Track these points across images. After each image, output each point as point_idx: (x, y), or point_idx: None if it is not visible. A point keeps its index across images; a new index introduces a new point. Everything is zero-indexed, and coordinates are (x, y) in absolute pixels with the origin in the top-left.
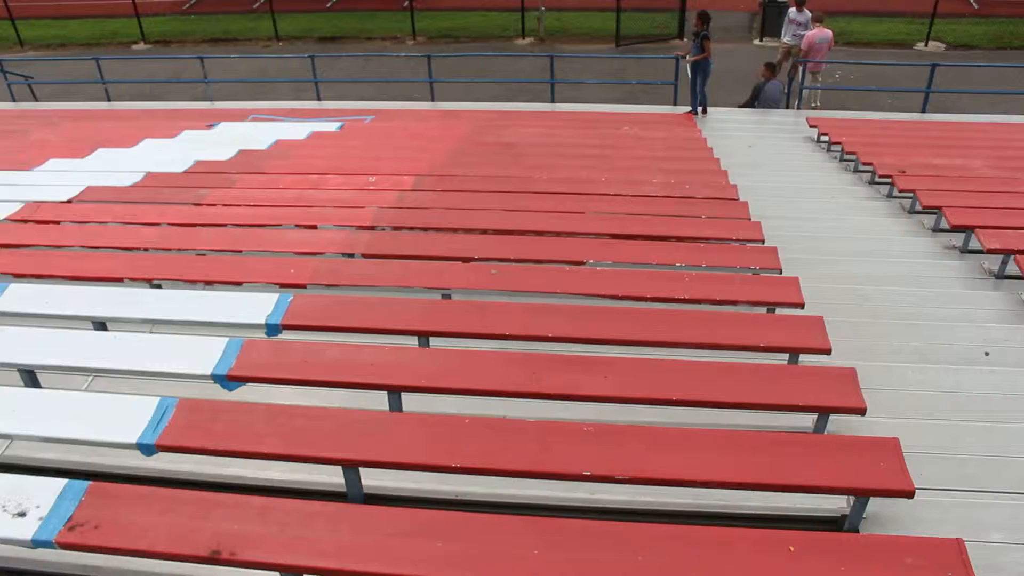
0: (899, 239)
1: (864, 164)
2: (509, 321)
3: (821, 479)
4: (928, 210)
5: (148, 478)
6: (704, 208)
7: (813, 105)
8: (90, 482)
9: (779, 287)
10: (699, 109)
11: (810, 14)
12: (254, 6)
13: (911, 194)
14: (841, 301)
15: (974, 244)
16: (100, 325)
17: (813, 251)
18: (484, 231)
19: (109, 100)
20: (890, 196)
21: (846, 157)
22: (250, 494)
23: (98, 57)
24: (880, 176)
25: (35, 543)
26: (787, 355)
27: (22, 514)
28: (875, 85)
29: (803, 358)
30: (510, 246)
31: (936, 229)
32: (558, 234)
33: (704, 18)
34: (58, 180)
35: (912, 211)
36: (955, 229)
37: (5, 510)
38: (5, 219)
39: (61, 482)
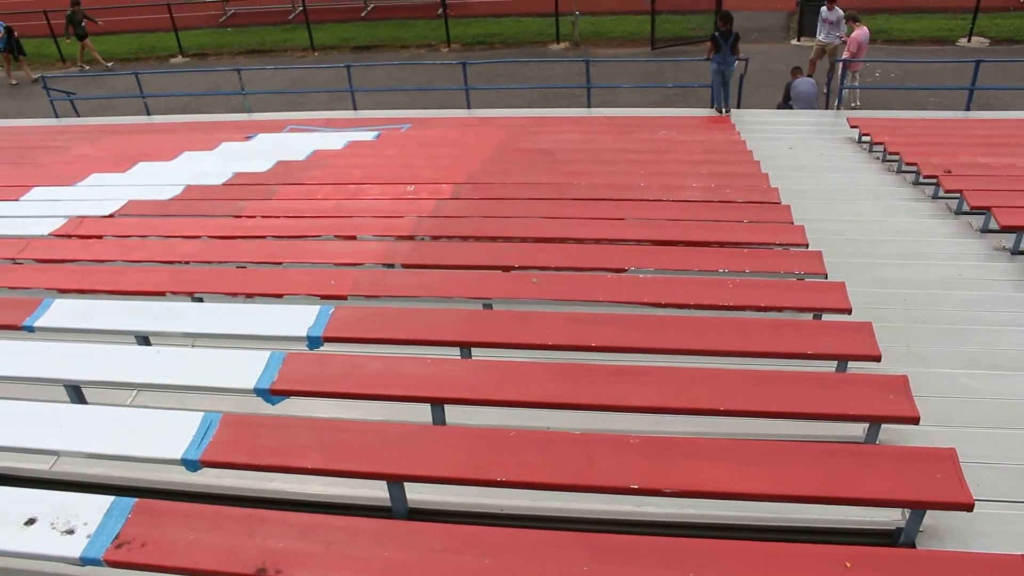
0: (946, 241)
1: (908, 164)
2: (551, 331)
3: (875, 491)
4: (976, 211)
5: (192, 494)
6: (746, 212)
7: (853, 105)
8: (136, 499)
9: (825, 292)
10: (722, 108)
11: (842, 12)
12: (289, 17)
13: (958, 194)
14: (888, 306)
15: None
16: (143, 340)
17: (858, 255)
18: (524, 239)
19: (149, 114)
20: (935, 197)
21: (889, 158)
22: (294, 509)
23: (137, 72)
24: (925, 176)
25: (83, 561)
26: (835, 363)
27: (70, 531)
28: (917, 83)
29: (852, 366)
30: (550, 254)
31: (985, 230)
32: (598, 241)
33: (726, 18)
34: (100, 195)
35: (959, 212)
36: (1005, 230)
37: (54, 528)
38: (49, 234)
39: (108, 499)
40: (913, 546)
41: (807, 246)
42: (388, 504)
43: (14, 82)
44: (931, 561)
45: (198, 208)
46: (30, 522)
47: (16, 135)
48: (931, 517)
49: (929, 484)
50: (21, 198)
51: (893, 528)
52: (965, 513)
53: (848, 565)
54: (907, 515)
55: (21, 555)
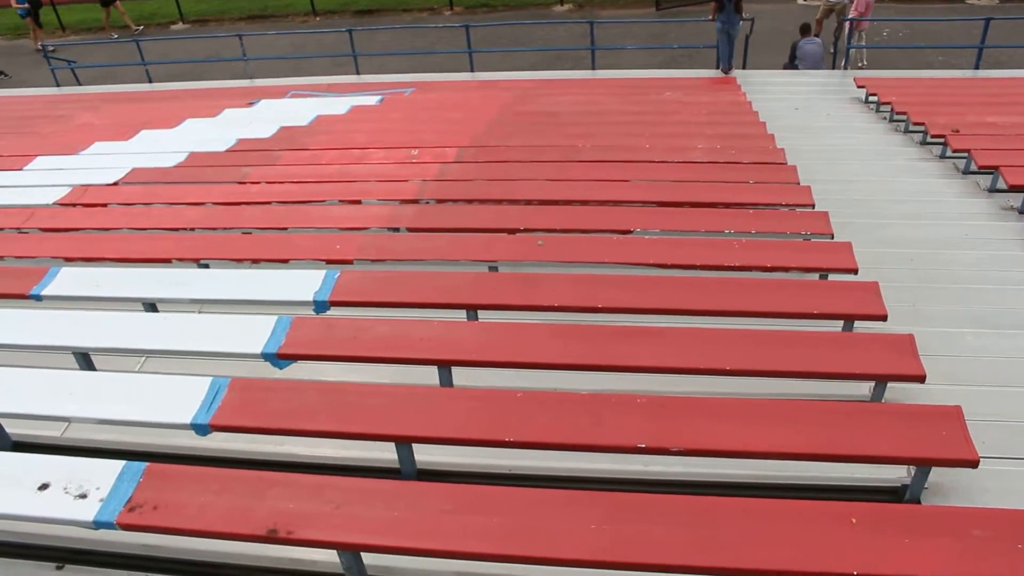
0: (954, 201)
1: (915, 124)
2: (557, 292)
3: (882, 449)
4: (984, 170)
5: (203, 458)
6: (751, 173)
7: (860, 65)
8: (147, 463)
9: (831, 253)
10: (727, 69)
11: None
12: None
13: (965, 154)
14: (895, 266)
15: None
16: (150, 307)
17: (864, 215)
18: (529, 202)
19: (150, 81)
20: (943, 157)
21: (896, 117)
22: (303, 472)
23: (138, 39)
24: (932, 136)
25: (97, 524)
26: (841, 323)
27: (83, 496)
28: (925, 42)
29: (858, 325)
30: (556, 216)
31: (992, 189)
32: (604, 203)
33: None
34: (103, 163)
35: (967, 172)
36: (1013, 189)
37: (67, 492)
38: (54, 203)
39: (119, 464)
40: (918, 502)
41: (813, 206)
42: (397, 466)
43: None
44: (936, 516)
45: (202, 175)
46: (43, 487)
47: (17, 105)
48: (936, 474)
49: (935, 441)
50: (25, 167)
51: (899, 485)
52: (970, 470)
53: (854, 521)
54: (912, 472)
55: (36, 519)
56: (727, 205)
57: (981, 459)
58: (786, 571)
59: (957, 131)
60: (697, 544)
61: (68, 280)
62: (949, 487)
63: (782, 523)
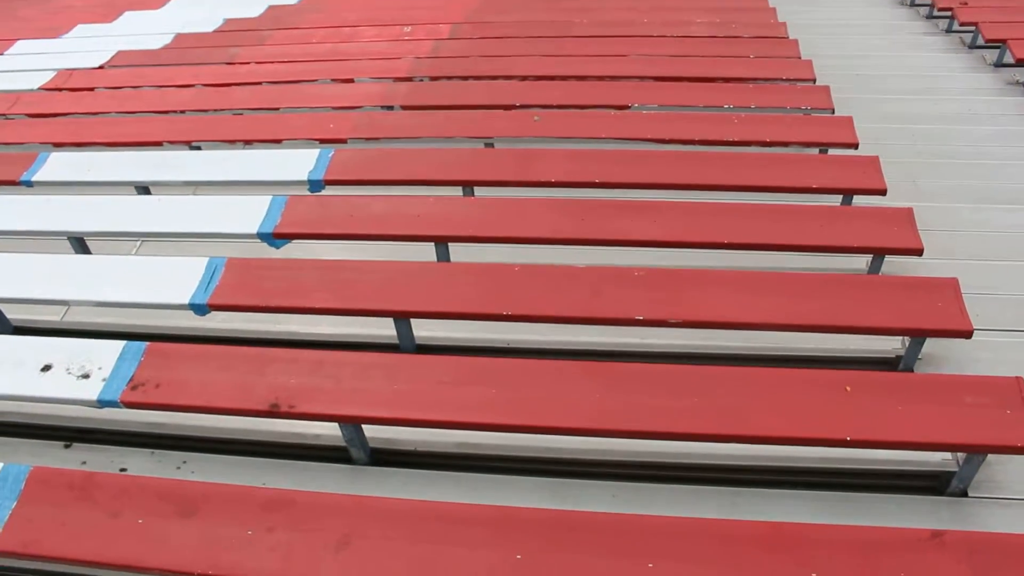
0: (959, 76)
1: None
2: (554, 167)
3: (878, 320)
4: (991, 44)
5: (203, 338)
6: (752, 47)
7: None
8: (148, 343)
9: (832, 127)
10: None
11: None
12: None
13: (972, 27)
14: (896, 141)
15: None
16: (143, 190)
17: (867, 90)
18: (525, 78)
19: None
20: (949, 31)
21: None
22: (303, 349)
23: None
24: (939, 9)
25: (101, 403)
26: (840, 197)
27: (86, 376)
28: None
29: (857, 199)
30: (552, 92)
31: (999, 64)
32: (601, 78)
33: None
34: (87, 46)
35: (973, 46)
36: (1020, 63)
37: (69, 373)
38: (39, 88)
39: (120, 344)
40: (911, 372)
41: (814, 81)
42: (396, 342)
43: None
44: (929, 384)
45: (190, 56)
46: (46, 368)
47: None
48: (930, 346)
49: (930, 312)
50: (5, 52)
51: (893, 356)
52: (963, 342)
53: (848, 389)
54: (907, 343)
55: (40, 399)
56: (726, 80)
57: (975, 331)
58: (781, 437)
59: (965, 3)
60: (694, 411)
61: (58, 165)
62: (942, 358)
63: (778, 390)
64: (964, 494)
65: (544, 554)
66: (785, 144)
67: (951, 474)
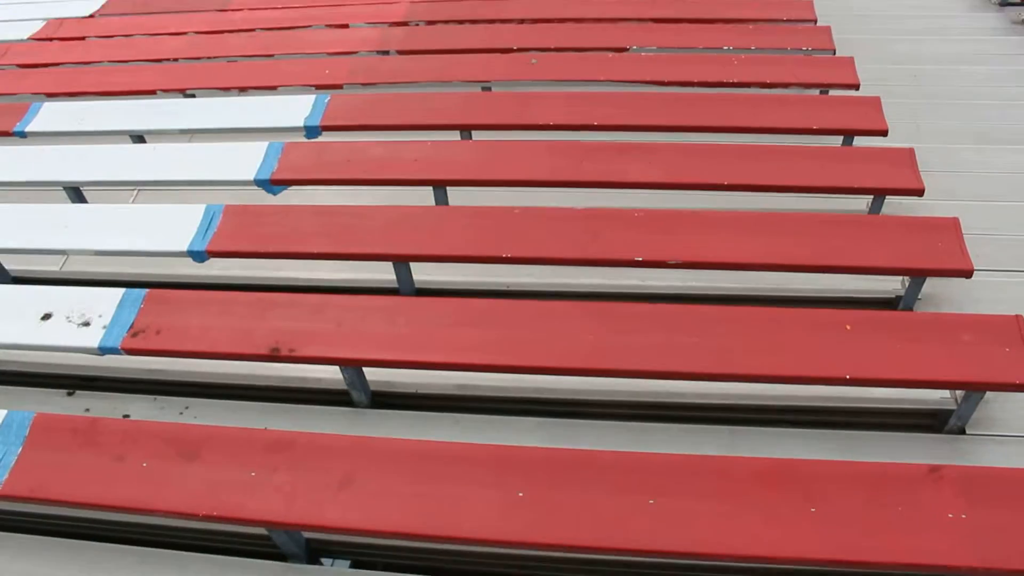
0: (962, 16)
1: None
2: (552, 110)
3: (877, 260)
4: None
5: (202, 286)
6: None
7: None
8: (147, 290)
9: (832, 68)
10: None
11: None
12: None
13: None
14: (898, 81)
15: None
16: (138, 138)
17: (868, 31)
18: (522, 20)
19: None
20: None
21: None
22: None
23: None
24: None
25: (102, 350)
26: (841, 138)
27: (86, 324)
28: None
29: (858, 141)
30: (550, 35)
31: (1003, 3)
32: (598, 20)
33: None
34: None
35: None
36: None
37: (70, 321)
38: (29, 38)
39: (119, 291)
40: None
41: (815, 21)
42: (395, 287)
43: None
44: (928, 322)
45: (181, 3)
46: (46, 317)
47: None
48: (930, 286)
49: (930, 252)
50: None
51: (892, 296)
52: (963, 282)
53: (848, 328)
54: (906, 283)
55: (41, 348)
56: (726, 21)
57: (975, 271)
58: (781, 375)
59: None
60: (693, 350)
61: (51, 115)
62: (941, 298)
63: (777, 329)
64: (962, 432)
65: (545, 492)
66: (785, 85)
67: (949, 412)
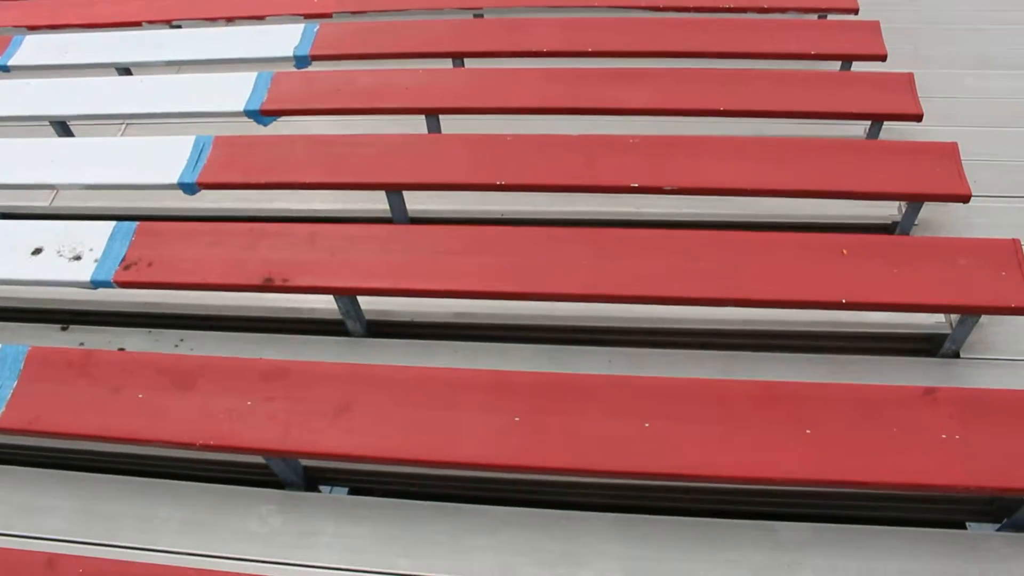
0: None
1: None
2: (545, 37)
3: (874, 185)
4: None
5: (193, 218)
6: None
7: None
8: (138, 223)
9: None
10: None
11: None
12: None
13: None
14: (897, 6)
15: None
16: (125, 71)
17: None
18: None
19: None
20: None
21: None
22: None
23: None
24: None
25: (94, 284)
26: (839, 63)
27: (77, 257)
28: None
29: (857, 66)
30: None
31: None
32: None
33: None
34: None
35: None
36: None
37: (60, 255)
38: None
39: (110, 224)
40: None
41: None
42: (388, 216)
43: None
44: (925, 246)
45: None
46: (37, 251)
47: None
48: (927, 211)
49: (928, 177)
50: None
51: (889, 222)
52: (960, 207)
53: (845, 252)
54: (903, 209)
55: (32, 282)
56: None
57: (972, 196)
58: (777, 300)
59: None
60: (690, 275)
61: (34, 48)
62: (938, 223)
63: (773, 254)
64: (956, 355)
65: (542, 416)
66: (783, 10)
67: (944, 336)
